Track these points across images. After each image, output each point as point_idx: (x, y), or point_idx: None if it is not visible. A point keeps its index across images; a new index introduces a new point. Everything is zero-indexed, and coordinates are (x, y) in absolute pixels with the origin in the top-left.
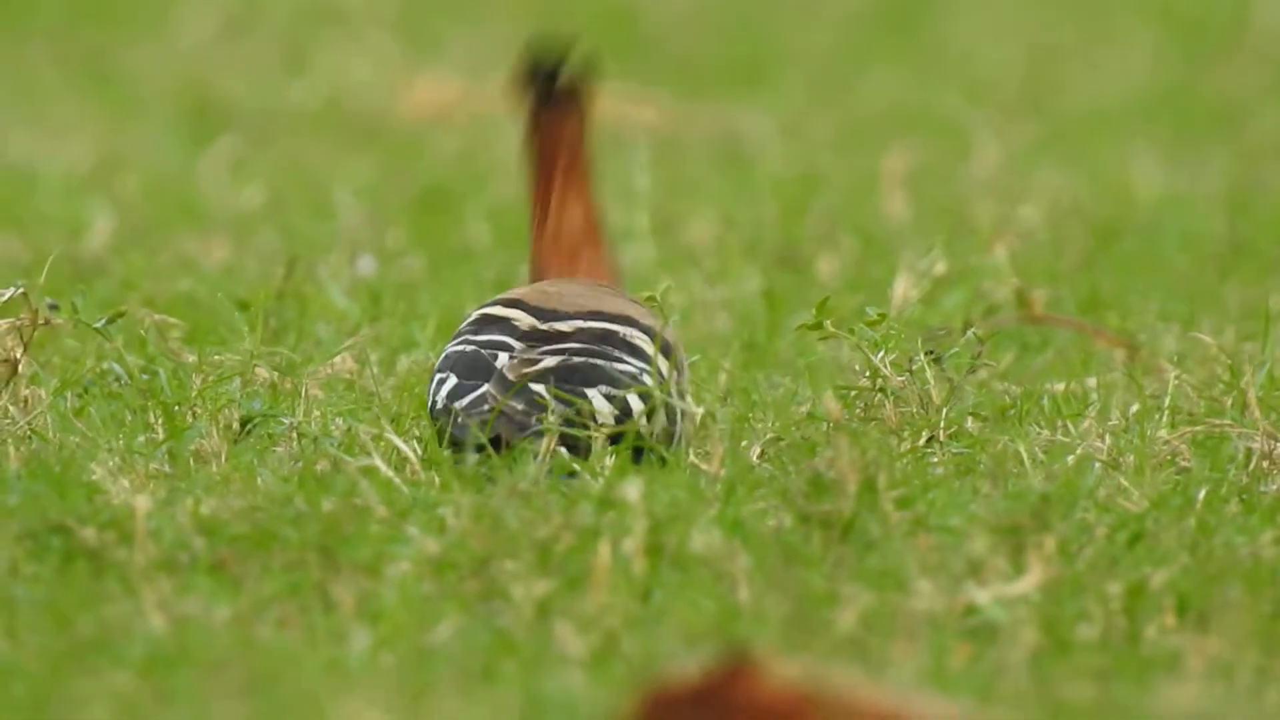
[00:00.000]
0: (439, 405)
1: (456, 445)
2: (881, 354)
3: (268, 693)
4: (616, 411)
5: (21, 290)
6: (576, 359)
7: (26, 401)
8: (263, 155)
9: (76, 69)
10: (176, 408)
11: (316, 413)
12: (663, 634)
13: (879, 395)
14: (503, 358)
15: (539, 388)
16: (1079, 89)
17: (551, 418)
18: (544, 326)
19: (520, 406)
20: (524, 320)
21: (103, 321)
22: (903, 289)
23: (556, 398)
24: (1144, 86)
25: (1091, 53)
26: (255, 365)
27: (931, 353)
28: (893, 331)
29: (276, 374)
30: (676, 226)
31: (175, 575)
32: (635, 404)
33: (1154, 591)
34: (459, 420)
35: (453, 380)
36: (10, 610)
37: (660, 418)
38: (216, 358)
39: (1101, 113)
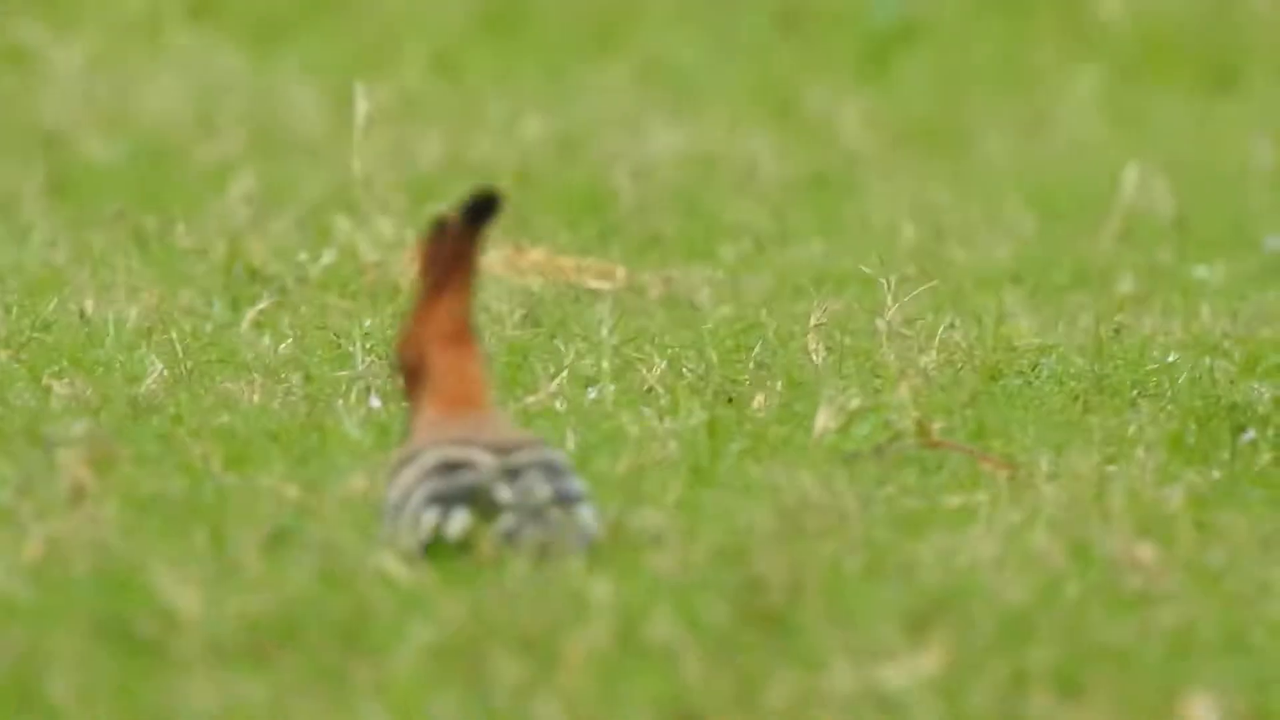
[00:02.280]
0: (448, 535)
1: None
2: (806, 474)
3: None
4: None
5: (91, 426)
6: (558, 482)
7: (93, 519)
8: (289, 312)
9: (135, 241)
10: (218, 523)
11: (336, 525)
12: (625, 709)
13: (805, 509)
14: (502, 488)
15: (555, 514)
16: (967, 253)
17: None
18: (504, 461)
19: (553, 519)
20: (484, 458)
21: (156, 451)
22: (823, 420)
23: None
24: (1020, 250)
25: (977, 223)
26: (284, 486)
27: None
28: (815, 456)
29: (302, 493)
30: (633, 369)
31: (218, 663)
32: (590, 518)
33: (1034, 672)
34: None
35: (463, 514)
36: (79, 694)
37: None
38: (252, 480)
39: (986, 273)
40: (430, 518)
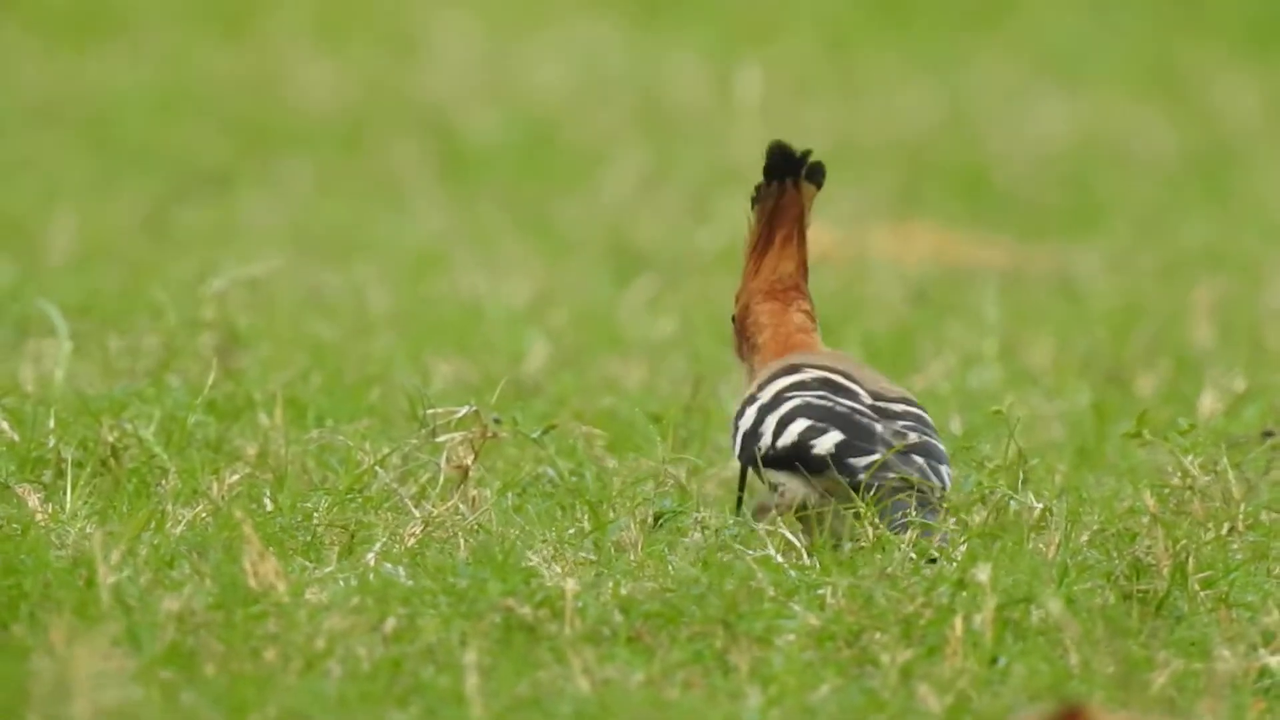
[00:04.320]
0: (815, 449)
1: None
2: (1191, 458)
3: None
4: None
5: (473, 408)
6: (927, 438)
7: (474, 500)
8: (674, 292)
9: (519, 218)
10: (600, 505)
11: (718, 510)
12: (1008, 692)
13: (1189, 492)
14: (877, 426)
15: (920, 460)
16: None
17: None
18: (880, 404)
19: (915, 475)
20: (864, 394)
21: (538, 433)
22: (1209, 403)
23: (921, 477)
24: None
25: None
26: (666, 469)
27: (1244, 441)
28: (1200, 439)
29: (684, 476)
30: (1020, 350)
31: (598, 645)
32: (948, 480)
33: None
34: (877, 485)
35: (837, 435)
36: (459, 675)
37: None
38: (634, 463)
39: None
40: (799, 427)
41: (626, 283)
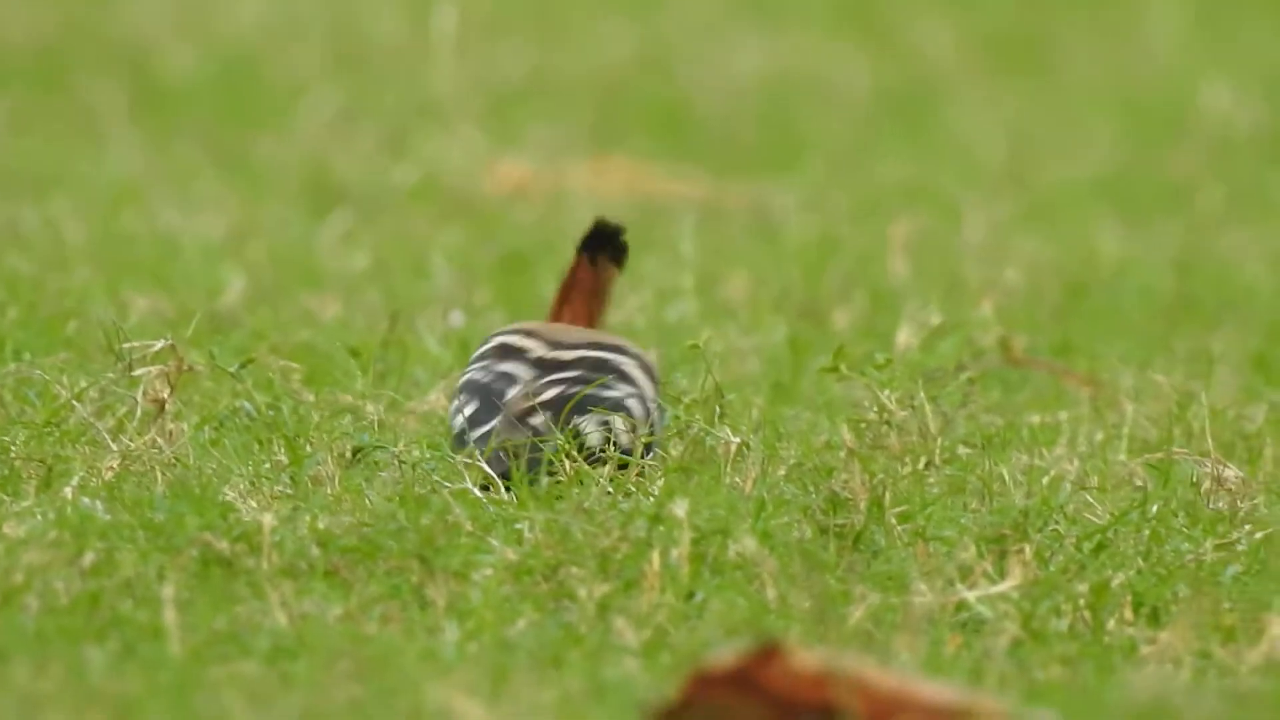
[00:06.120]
0: (460, 427)
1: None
2: (887, 392)
3: (374, 678)
4: (605, 435)
5: (169, 342)
6: (572, 390)
7: (171, 434)
8: (370, 227)
9: (216, 155)
10: (297, 439)
11: (415, 443)
12: (704, 627)
13: (885, 427)
14: (509, 392)
15: (540, 419)
16: (1052, 169)
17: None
18: (550, 355)
19: (524, 439)
20: (535, 350)
21: (235, 367)
22: (905, 337)
23: (550, 431)
24: (1105, 166)
25: (1062, 138)
26: (364, 403)
27: (932, 377)
28: (896, 373)
29: (382, 410)
30: (716, 285)
31: (296, 580)
32: (620, 430)
33: (1114, 591)
34: (477, 453)
35: (472, 407)
36: (156, 609)
37: (643, 430)
38: (331, 397)
39: (1071, 189)
40: (463, 410)
41: (322, 217)
